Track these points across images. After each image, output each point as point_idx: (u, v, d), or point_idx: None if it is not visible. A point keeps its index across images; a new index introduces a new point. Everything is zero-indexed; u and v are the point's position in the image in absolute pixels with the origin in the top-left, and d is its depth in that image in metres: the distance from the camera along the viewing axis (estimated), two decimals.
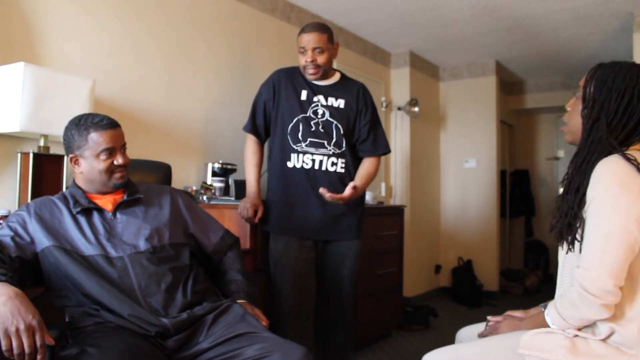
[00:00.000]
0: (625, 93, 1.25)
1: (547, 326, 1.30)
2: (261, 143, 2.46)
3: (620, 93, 1.26)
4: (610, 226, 1.16)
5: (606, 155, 1.22)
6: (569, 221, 1.25)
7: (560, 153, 6.41)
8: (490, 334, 1.47)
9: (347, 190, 2.15)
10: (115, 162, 1.54)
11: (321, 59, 2.26)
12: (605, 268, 1.15)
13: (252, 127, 2.41)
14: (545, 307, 1.52)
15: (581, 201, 1.24)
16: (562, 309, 1.25)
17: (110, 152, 1.53)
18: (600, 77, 1.30)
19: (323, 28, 2.28)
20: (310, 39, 2.24)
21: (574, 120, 1.36)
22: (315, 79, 2.31)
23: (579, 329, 1.25)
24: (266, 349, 1.33)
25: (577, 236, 1.24)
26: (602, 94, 1.28)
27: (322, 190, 2.12)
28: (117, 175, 1.56)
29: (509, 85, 5.95)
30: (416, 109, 4.59)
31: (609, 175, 1.18)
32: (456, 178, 5.31)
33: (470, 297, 4.82)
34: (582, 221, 1.23)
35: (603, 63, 1.33)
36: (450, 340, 1.58)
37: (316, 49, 2.24)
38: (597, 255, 1.17)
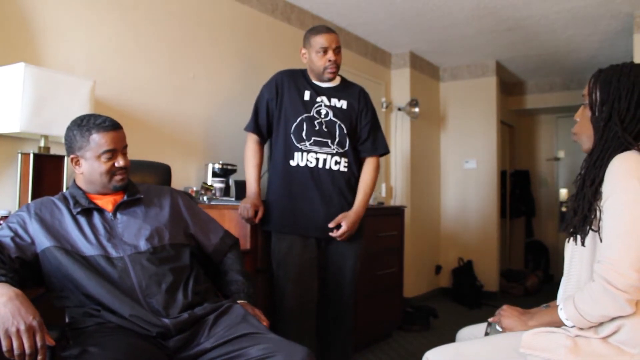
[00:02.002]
0: (634, 90, 1.26)
1: (557, 323, 1.29)
2: (262, 143, 2.47)
3: (629, 91, 1.27)
4: (630, 219, 1.15)
5: (621, 151, 1.22)
6: (585, 214, 1.25)
7: (561, 154, 6.41)
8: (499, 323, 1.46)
9: (340, 231, 2.28)
10: (116, 164, 1.54)
11: (339, 59, 2.34)
12: (631, 262, 1.14)
13: (255, 126, 2.42)
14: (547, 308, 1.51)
15: (596, 193, 1.23)
16: (581, 305, 1.21)
17: (112, 154, 1.53)
18: (604, 80, 1.31)
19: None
20: (332, 39, 2.30)
21: (585, 128, 1.37)
22: (332, 79, 2.35)
23: (582, 328, 1.24)
24: (269, 350, 1.33)
25: (593, 227, 1.23)
26: (610, 95, 1.29)
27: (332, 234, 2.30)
28: (118, 177, 1.55)
29: (509, 86, 5.95)
30: (416, 109, 4.59)
31: (626, 170, 1.18)
32: (456, 179, 5.31)
33: (471, 298, 4.82)
34: (597, 213, 1.23)
35: (602, 68, 1.34)
36: (451, 341, 1.57)
37: (336, 49, 2.30)
38: (621, 250, 1.15)
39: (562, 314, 1.27)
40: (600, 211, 1.22)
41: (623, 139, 1.24)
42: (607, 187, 1.21)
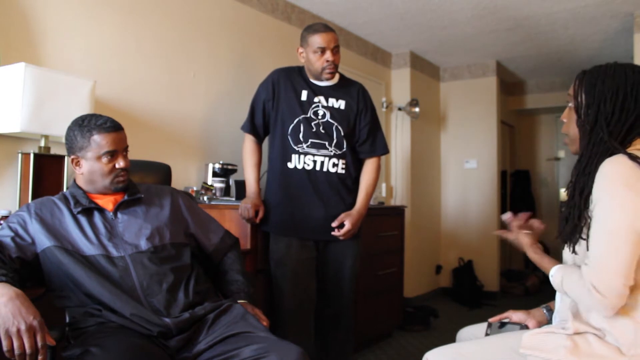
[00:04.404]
0: (619, 92, 1.25)
1: (542, 266, 1.36)
2: (259, 143, 2.47)
3: (614, 93, 1.25)
4: (616, 225, 1.15)
5: (609, 156, 1.21)
6: (575, 222, 1.24)
7: (561, 153, 6.41)
8: None
9: (344, 229, 2.26)
10: (116, 165, 1.54)
11: (338, 59, 2.29)
12: (615, 267, 1.14)
13: (251, 127, 2.41)
14: (547, 309, 1.52)
15: (586, 201, 1.23)
16: (569, 289, 1.25)
17: (112, 155, 1.53)
18: (589, 82, 1.29)
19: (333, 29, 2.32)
20: (330, 39, 2.24)
21: (572, 130, 1.36)
22: (330, 79, 2.32)
23: (576, 319, 1.25)
24: (263, 349, 1.33)
25: (583, 235, 1.23)
26: (595, 98, 1.27)
27: (334, 233, 2.27)
28: (118, 178, 1.56)
29: (510, 86, 5.95)
30: (417, 109, 4.59)
31: (614, 174, 1.18)
32: (457, 178, 5.31)
33: (471, 298, 4.82)
34: (587, 220, 1.23)
35: (586, 69, 1.33)
36: (451, 341, 1.57)
37: (334, 49, 2.26)
38: (605, 255, 1.15)
39: (551, 278, 1.32)
40: (590, 219, 1.22)
41: (609, 144, 1.23)
42: (595, 194, 1.21)
